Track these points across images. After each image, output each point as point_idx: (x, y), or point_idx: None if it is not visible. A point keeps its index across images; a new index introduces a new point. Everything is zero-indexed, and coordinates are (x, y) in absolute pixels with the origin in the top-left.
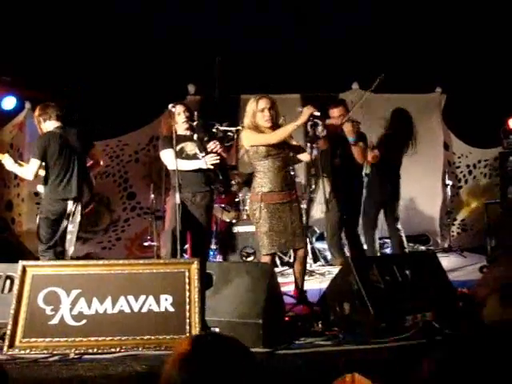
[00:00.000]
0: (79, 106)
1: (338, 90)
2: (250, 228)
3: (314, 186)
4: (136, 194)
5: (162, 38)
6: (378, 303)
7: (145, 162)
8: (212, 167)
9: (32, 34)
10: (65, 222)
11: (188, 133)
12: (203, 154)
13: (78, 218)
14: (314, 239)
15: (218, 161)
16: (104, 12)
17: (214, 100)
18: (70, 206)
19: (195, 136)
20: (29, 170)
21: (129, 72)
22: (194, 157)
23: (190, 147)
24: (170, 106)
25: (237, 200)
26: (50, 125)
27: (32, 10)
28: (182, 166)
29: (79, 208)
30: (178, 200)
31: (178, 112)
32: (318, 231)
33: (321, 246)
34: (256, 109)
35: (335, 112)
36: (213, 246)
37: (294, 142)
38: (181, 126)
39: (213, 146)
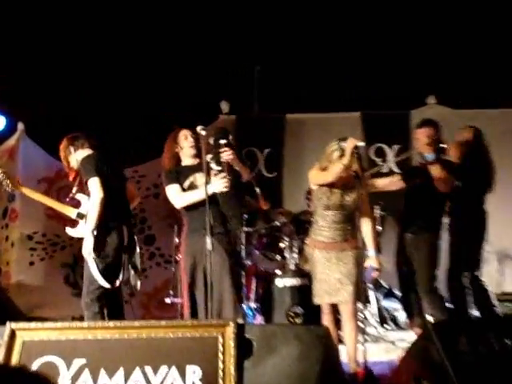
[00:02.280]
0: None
1: (407, 106)
2: (299, 281)
3: (380, 228)
4: (155, 238)
5: (187, 45)
6: (468, 381)
7: (166, 198)
8: (224, 189)
9: (32, 39)
10: (125, 257)
11: (196, 162)
12: (217, 168)
13: (137, 248)
14: (381, 296)
15: (226, 183)
16: (121, 19)
17: (253, 120)
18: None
19: (208, 158)
20: (95, 192)
21: (145, 87)
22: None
23: (202, 179)
24: (199, 129)
25: (282, 245)
26: (82, 154)
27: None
28: (185, 200)
29: (135, 237)
30: (209, 245)
31: (184, 135)
32: (386, 286)
33: (389, 304)
34: (334, 158)
35: (419, 134)
36: (251, 305)
37: (365, 205)
38: (186, 154)
39: (225, 155)
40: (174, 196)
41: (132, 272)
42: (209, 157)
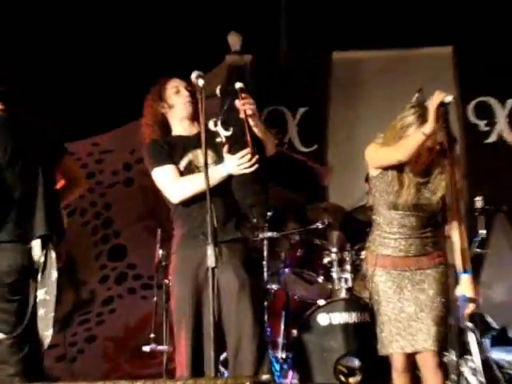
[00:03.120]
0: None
1: None
2: (355, 316)
3: (483, 233)
4: (127, 250)
5: None
6: None
7: (143, 186)
8: (246, 170)
9: None
10: (31, 285)
11: (195, 130)
12: (225, 134)
13: (53, 274)
14: (488, 342)
15: (249, 160)
16: None
17: (279, 62)
18: (38, 252)
19: (215, 129)
20: None
21: (111, 14)
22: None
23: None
24: (194, 76)
25: (327, 260)
26: None
27: None
28: (188, 190)
29: (53, 255)
30: (211, 262)
31: (175, 88)
32: (495, 326)
33: (503, 356)
34: (409, 124)
35: None
36: (279, 355)
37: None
38: (179, 116)
39: (243, 108)
40: (169, 185)
41: (41, 312)
42: (212, 121)
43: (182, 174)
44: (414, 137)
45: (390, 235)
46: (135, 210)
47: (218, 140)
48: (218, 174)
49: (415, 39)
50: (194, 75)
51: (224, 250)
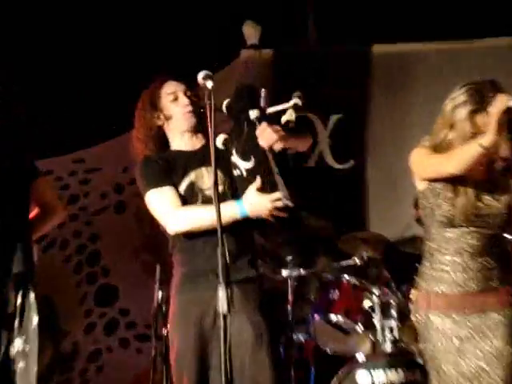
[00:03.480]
0: None
1: None
2: (404, 375)
3: None
4: (119, 291)
5: None
6: None
7: (139, 212)
8: (269, 215)
9: None
10: (3, 335)
11: (198, 144)
12: (245, 166)
13: (33, 319)
14: None
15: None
16: None
17: (307, 58)
18: (11, 296)
19: (232, 160)
20: None
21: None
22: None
23: (209, 178)
24: (202, 76)
25: (368, 305)
26: None
27: None
28: (188, 221)
29: (32, 297)
30: (223, 307)
31: (172, 94)
32: None
33: None
34: (465, 130)
35: None
36: None
37: None
38: (179, 129)
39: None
40: (165, 212)
41: (21, 365)
42: (220, 139)
43: (182, 197)
44: (470, 149)
45: (443, 266)
46: (128, 241)
47: (236, 173)
48: (230, 213)
49: (475, 29)
50: (201, 75)
51: (236, 291)
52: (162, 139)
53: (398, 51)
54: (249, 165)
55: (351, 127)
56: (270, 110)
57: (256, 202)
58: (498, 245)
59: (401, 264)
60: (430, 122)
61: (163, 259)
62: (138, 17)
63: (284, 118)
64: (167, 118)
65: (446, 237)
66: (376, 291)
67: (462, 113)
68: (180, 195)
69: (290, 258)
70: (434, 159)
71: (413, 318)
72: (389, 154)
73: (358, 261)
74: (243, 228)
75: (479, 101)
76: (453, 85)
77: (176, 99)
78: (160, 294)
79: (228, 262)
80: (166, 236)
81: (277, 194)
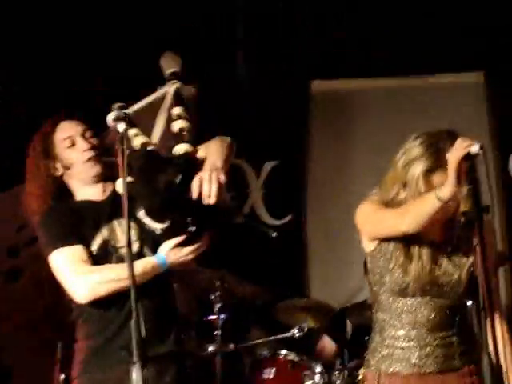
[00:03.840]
0: None
1: None
2: None
3: None
4: (12, 373)
5: None
6: None
7: (37, 279)
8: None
9: None
10: None
11: (107, 192)
12: (157, 226)
13: None
14: None
15: (195, 250)
16: None
17: (236, 96)
18: None
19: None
20: None
21: None
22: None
23: (122, 233)
24: (112, 117)
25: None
26: None
27: None
28: (103, 286)
29: None
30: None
31: (68, 139)
32: None
33: None
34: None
35: None
36: None
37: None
38: (82, 179)
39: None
40: (73, 277)
41: None
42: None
43: (94, 259)
44: (426, 203)
45: (396, 341)
46: (24, 314)
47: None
48: (146, 263)
49: (428, 64)
50: (110, 117)
51: (151, 370)
52: (62, 191)
53: (339, 88)
54: (164, 225)
55: (288, 176)
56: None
57: (174, 249)
58: (459, 317)
59: (348, 337)
60: (375, 169)
61: (66, 335)
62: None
63: (176, 127)
64: (66, 168)
65: (398, 308)
66: (318, 369)
67: (417, 170)
68: (91, 256)
69: (217, 331)
70: (385, 215)
71: None
72: (331, 208)
73: (297, 333)
74: (164, 295)
75: (436, 157)
76: (405, 128)
77: (73, 145)
78: (62, 376)
79: (144, 335)
80: (72, 305)
81: (180, 238)
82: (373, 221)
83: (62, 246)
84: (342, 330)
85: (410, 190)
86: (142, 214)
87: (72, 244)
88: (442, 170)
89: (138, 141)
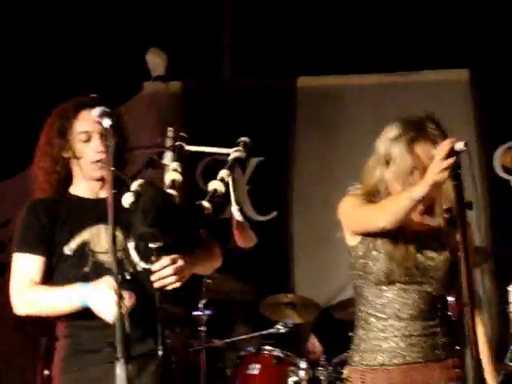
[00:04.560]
0: None
1: None
2: None
3: None
4: None
5: None
6: None
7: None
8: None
9: None
10: None
11: (103, 193)
12: (142, 265)
13: None
14: None
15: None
16: None
17: (222, 93)
18: None
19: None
20: None
21: None
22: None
23: (106, 239)
24: (98, 113)
25: (294, 381)
26: None
27: None
28: (33, 307)
29: None
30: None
31: (85, 134)
32: None
33: None
34: (412, 161)
35: None
36: None
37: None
38: (85, 173)
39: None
40: (15, 286)
41: None
42: (129, 198)
43: (69, 259)
44: (399, 200)
45: (380, 333)
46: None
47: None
48: (69, 299)
49: (414, 61)
50: (96, 112)
51: (133, 369)
52: (66, 175)
53: (325, 84)
54: (145, 265)
55: (273, 172)
56: (193, 148)
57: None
58: (441, 308)
59: (333, 333)
60: (361, 165)
61: (50, 331)
62: (29, 49)
63: (211, 186)
64: (75, 157)
65: (382, 298)
66: (303, 365)
67: (400, 145)
68: (66, 256)
69: (202, 326)
70: (364, 211)
71: None
72: (316, 203)
73: (282, 329)
74: (148, 291)
75: (416, 129)
76: (387, 120)
77: (89, 140)
78: (46, 373)
79: (129, 331)
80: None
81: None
82: (353, 216)
83: (24, 251)
84: (327, 326)
85: (395, 167)
86: (130, 245)
87: (34, 253)
88: (424, 139)
89: (170, 176)
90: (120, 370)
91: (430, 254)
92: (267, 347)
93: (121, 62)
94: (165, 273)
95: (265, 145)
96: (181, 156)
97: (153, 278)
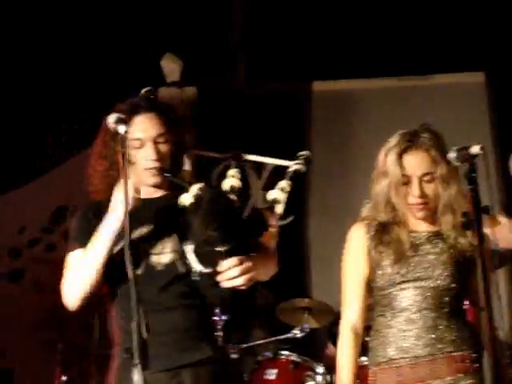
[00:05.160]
0: None
1: None
2: None
3: None
4: (13, 375)
5: None
6: None
7: (38, 280)
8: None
9: None
10: None
11: (159, 192)
12: (201, 269)
13: None
14: None
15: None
16: None
17: (238, 96)
18: None
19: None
20: None
21: None
22: (169, 276)
23: (162, 244)
24: (113, 120)
25: None
26: None
27: None
28: (76, 284)
29: None
30: None
31: (138, 141)
32: None
33: None
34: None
35: None
36: None
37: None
38: (137, 179)
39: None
40: (66, 277)
41: None
42: (187, 199)
43: (116, 257)
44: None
45: (387, 329)
46: (26, 315)
47: (194, 277)
48: (101, 235)
49: (428, 65)
50: (111, 119)
51: (187, 379)
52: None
53: (339, 89)
54: (204, 270)
55: (294, 182)
56: (253, 158)
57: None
58: (449, 303)
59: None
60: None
61: (66, 337)
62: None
63: (271, 195)
64: (128, 161)
65: (391, 298)
66: (320, 370)
67: (392, 157)
68: (113, 256)
69: (219, 332)
70: (344, 288)
71: None
72: (333, 206)
73: (299, 334)
74: (204, 297)
75: (409, 140)
76: (405, 127)
77: (141, 147)
78: (64, 378)
79: (146, 336)
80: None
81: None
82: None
83: (77, 248)
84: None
85: (389, 178)
86: (189, 248)
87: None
88: (416, 149)
89: (229, 182)
90: (137, 377)
91: (432, 250)
92: (284, 352)
93: (136, 67)
94: (232, 273)
95: (280, 149)
96: (240, 164)
97: (219, 277)
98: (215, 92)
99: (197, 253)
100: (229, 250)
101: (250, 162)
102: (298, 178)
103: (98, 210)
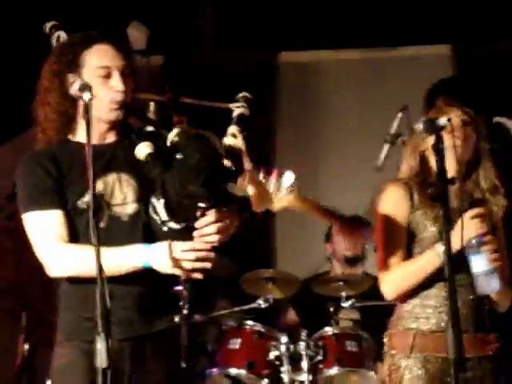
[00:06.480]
0: None
1: None
2: None
3: None
4: None
5: None
6: None
7: (5, 255)
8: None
9: None
10: None
11: (112, 137)
12: (172, 225)
13: None
14: None
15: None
16: None
17: (201, 67)
18: None
19: (143, 151)
20: None
21: None
22: (136, 226)
23: (121, 190)
24: (78, 86)
25: (274, 355)
26: None
27: None
28: (78, 267)
29: None
30: (101, 361)
31: (104, 69)
32: None
33: None
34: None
35: None
36: None
37: None
38: (96, 115)
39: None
40: (44, 246)
41: None
42: (144, 149)
43: (82, 212)
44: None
45: (428, 301)
46: None
47: (164, 229)
48: (130, 260)
49: (395, 37)
50: (77, 85)
51: (148, 348)
52: (69, 120)
53: (308, 60)
54: (174, 225)
55: (254, 146)
56: (190, 101)
57: (162, 250)
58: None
59: (312, 308)
60: (343, 142)
61: (31, 305)
62: None
63: (225, 142)
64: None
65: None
66: (284, 340)
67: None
68: (79, 210)
69: (182, 301)
70: (378, 245)
71: (385, 367)
72: (298, 179)
73: (263, 304)
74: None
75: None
76: (373, 99)
77: (107, 77)
78: (26, 347)
79: (109, 305)
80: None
81: (191, 245)
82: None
83: (37, 208)
84: (307, 300)
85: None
86: (156, 202)
87: (48, 208)
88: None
89: (228, 140)
90: (100, 345)
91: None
92: (248, 322)
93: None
94: (208, 230)
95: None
96: (242, 122)
97: (196, 233)
98: (182, 61)
99: (169, 208)
100: (209, 207)
101: (188, 104)
102: (245, 121)
103: (53, 158)
